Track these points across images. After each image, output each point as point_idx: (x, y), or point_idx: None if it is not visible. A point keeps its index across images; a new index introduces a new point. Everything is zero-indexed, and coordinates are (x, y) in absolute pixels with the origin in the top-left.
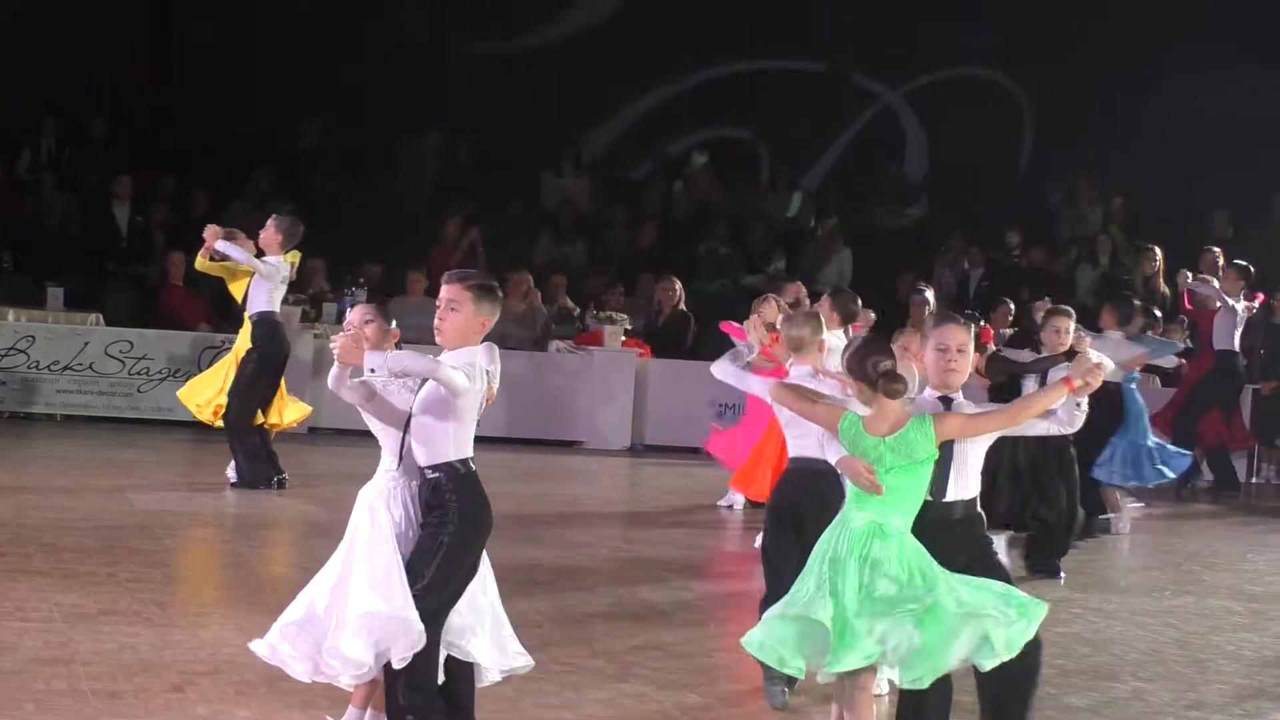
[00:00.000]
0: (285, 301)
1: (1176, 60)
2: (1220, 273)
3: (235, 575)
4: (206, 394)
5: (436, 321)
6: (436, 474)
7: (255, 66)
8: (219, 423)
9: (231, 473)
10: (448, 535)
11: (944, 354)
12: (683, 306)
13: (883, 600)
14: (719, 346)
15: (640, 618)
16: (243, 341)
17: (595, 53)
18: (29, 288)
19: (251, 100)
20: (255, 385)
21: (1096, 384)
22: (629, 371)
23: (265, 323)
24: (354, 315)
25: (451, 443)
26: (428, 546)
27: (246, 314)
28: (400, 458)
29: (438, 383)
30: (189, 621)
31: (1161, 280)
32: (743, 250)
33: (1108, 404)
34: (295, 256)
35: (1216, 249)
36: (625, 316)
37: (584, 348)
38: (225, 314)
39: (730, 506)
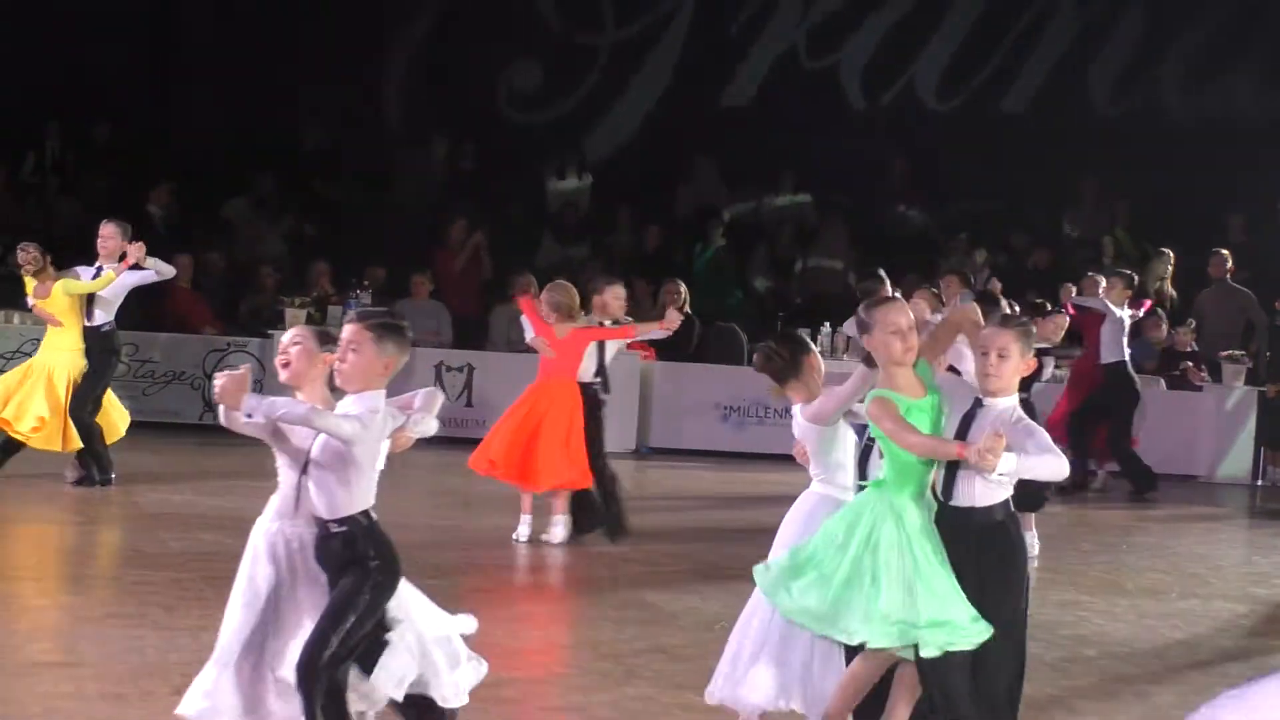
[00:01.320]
0: (290, 304)
1: (1181, 59)
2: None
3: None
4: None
5: (337, 364)
6: (343, 528)
7: (258, 70)
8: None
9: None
10: (370, 588)
11: (985, 357)
12: (687, 309)
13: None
14: (723, 348)
15: (646, 620)
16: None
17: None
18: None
19: (254, 104)
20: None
21: (987, 468)
22: (633, 374)
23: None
24: (285, 337)
25: (354, 494)
26: (349, 598)
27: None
28: (297, 501)
29: (322, 432)
30: (194, 624)
31: (1169, 284)
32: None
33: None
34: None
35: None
36: (630, 319)
37: None
38: (231, 317)
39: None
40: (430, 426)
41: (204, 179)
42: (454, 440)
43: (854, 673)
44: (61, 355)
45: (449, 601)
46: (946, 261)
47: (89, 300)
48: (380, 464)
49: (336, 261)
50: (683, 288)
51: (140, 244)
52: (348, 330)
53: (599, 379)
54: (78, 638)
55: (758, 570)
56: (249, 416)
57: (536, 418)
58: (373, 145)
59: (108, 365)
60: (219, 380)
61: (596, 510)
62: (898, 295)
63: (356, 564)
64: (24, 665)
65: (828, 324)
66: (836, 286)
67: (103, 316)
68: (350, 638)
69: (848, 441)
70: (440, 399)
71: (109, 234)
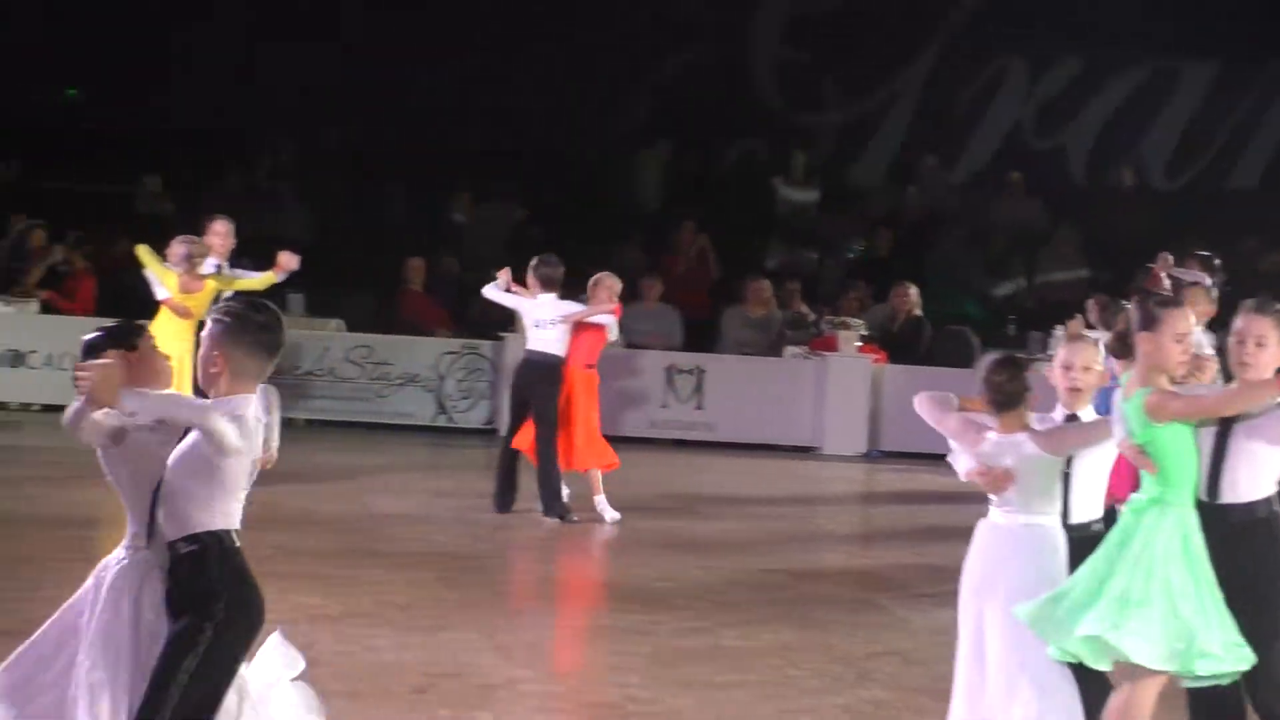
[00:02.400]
0: None
1: None
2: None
3: (476, 579)
4: None
5: (201, 364)
6: (192, 546)
7: (486, 74)
8: None
9: None
10: (213, 627)
11: (1241, 345)
12: (918, 312)
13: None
14: (954, 352)
15: (879, 624)
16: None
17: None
18: (271, 295)
19: (482, 109)
20: None
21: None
22: (864, 377)
23: None
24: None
25: (215, 513)
26: (182, 645)
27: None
28: (150, 530)
29: (204, 435)
30: (430, 624)
31: None
32: (980, 256)
33: None
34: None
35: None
36: (860, 322)
37: (819, 353)
38: (464, 319)
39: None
40: (276, 436)
41: (434, 183)
42: (684, 443)
43: (1134, 702)
44: (188, 345)
45: (688, 604)
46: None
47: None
48: (247, 484)
49: (567, 263)
50: (913, 290)
51: (293, 254)
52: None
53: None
54: (316, 637)
55: (1035, 617)
56: (131, 414)
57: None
58: (600, 148)
59: None
60: (86, 372)
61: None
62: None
63: (201, 598)
64: None
65: (1059, 327)
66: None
67: None
68: (190, 696)
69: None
70: (276, 397)
71: (224, 231)
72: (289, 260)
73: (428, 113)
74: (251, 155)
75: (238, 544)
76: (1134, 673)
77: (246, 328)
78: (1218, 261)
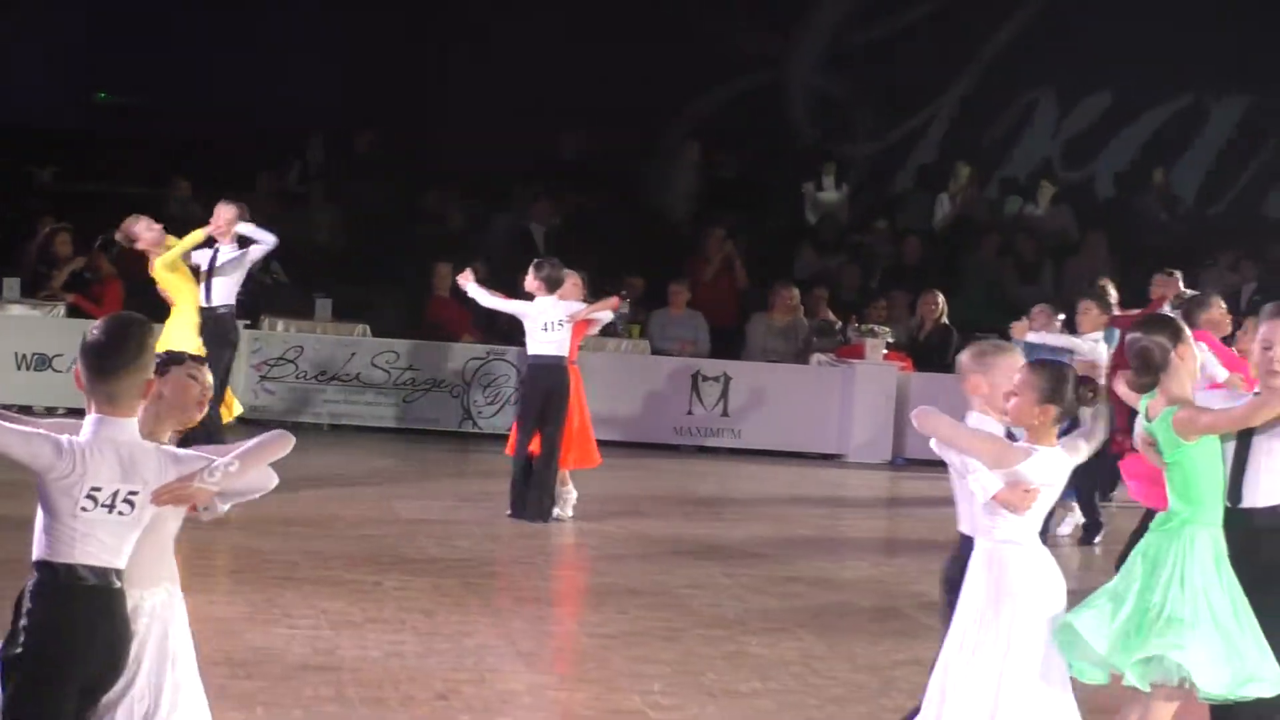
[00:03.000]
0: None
1: None
2: None
3: (500, 584)
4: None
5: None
6: (31, 577)
7: (519, 81)
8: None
9: None
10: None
11: (1268, 351)
12: (945, 320)
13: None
14: None
15: (903, 632)
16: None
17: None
18: (298, 298)
19: (515, 114)
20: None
21: None
22: (890, 385)
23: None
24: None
25: (52, 542)
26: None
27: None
28: None
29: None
30: (453, 630)
31: None
32: (1012, 262)
33: None
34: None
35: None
36: (887, 329)
37: (845, 360)
38: (492, 327)
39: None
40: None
41: (464, 188)
42: (709, 449)
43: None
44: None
45: (712, 611)
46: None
47: (206, 280)
48: (130, 528)
49: (594, 271)
50: (940, 298)
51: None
52: None
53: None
54: (339, 642)
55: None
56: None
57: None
58: (630, 154)
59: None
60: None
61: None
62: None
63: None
64: (287, 668)
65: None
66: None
67: (219, 299)
68: None
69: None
70: (279, 448)
71: (223, 215)
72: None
73: (459, 117)
74: (282, 159)
75: (70, 581)
76: (1151, 696)
77: (82, 350)
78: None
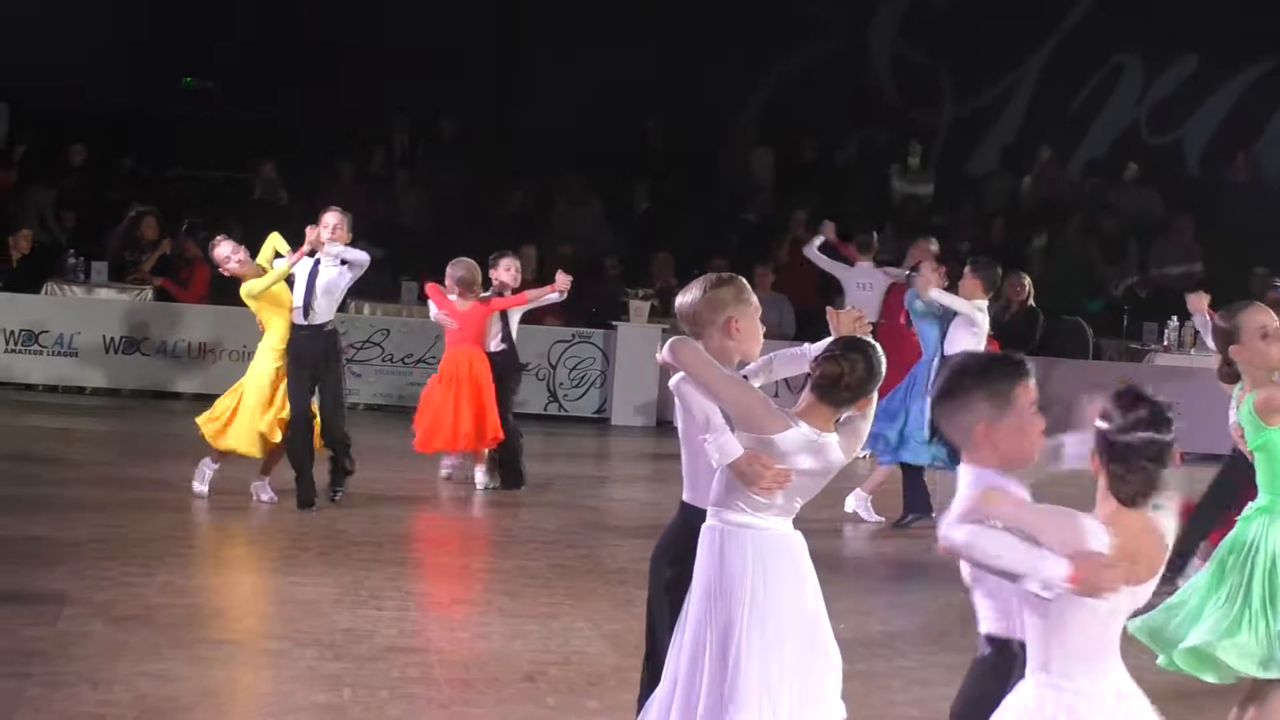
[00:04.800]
0: (634, 296)
1: None
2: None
3: (585, 566)
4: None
5: None
6: None
7: (598, 67)
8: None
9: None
10: None
11: None
12: (1031, 302)
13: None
14: (1068, 343)
15: (970, 620)
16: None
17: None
18: (384, 282)
19: (598, 99)
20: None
21: None
22: None
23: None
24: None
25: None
26: None
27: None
28: None
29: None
30: (540, 612)
31: None
32: (1097, 244)
33: None
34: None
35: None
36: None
37: None
38: (575, 309)
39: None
40: None
41: (549, 171)
42: None
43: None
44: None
45: None
46: None
47: (307, 297)
48: None
49: (679, 252)
50: (1026, 281)
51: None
52: None
53: (505, 345)
54: (426, 624)
55: (1148, 629)
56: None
57: (454, 386)
58: (711, 137)
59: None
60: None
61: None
62: None
63: None
64: (375, 650)
65: (1174, 318)
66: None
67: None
68: None
69: None
70: None
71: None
72: (563, 280)
73: (542, 99)
74: (366, 143)
75: None
76: (1264, 689)
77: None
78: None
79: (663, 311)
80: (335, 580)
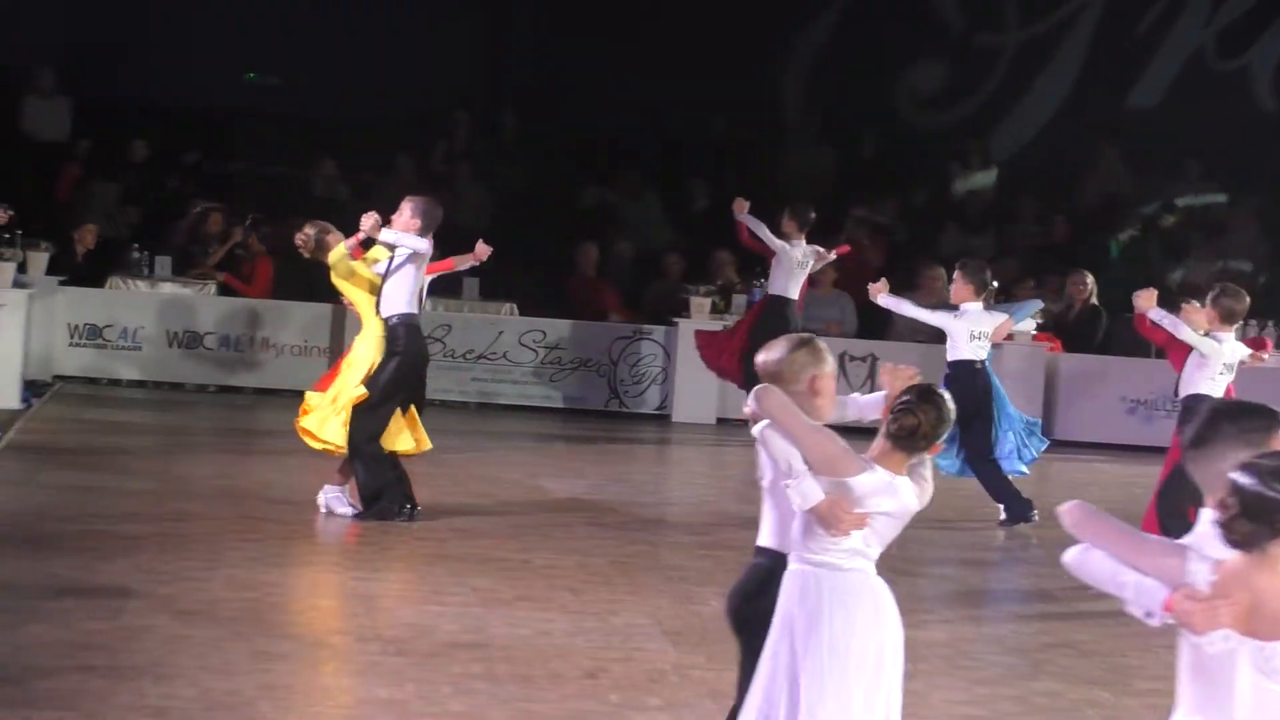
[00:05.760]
0: (695, 292)
1: None
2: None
3: (647, 564)
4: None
5: None
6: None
7: (660, 63)
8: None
9: (331, 498)
10: None
11: None
12: (1094, 300)
13: None
14: (1131, 341)
15: (1052, 614)
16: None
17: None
18: (445, 278)
19: (661, 93)
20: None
21: None
22: (1039, 366)
23: (406, 325)
24: None
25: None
26: None
27: (379, 315)
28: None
29: None
30: (601, 609)
31: None
32: (1158, 241)
33: (970, 385)
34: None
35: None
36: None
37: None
38: (637, 304)
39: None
40: None
41: (607, 167)
42: (857, 430)
43: None
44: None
45: None
46: None
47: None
48: None
49: (740, 249)
50: (1089, 279)
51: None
52: None
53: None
54: (488, 620)
55: None
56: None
57: None
58: (771, 135)
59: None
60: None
61: None
62: None
63: None
64: (437, 646)
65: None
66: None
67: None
68: None
69: None
70: None
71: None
72: (482, 250)
73: (601, 96)
74: (426, 139)
75: None
76: None
77: None
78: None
79: (723, 308)
80: (398, 576)
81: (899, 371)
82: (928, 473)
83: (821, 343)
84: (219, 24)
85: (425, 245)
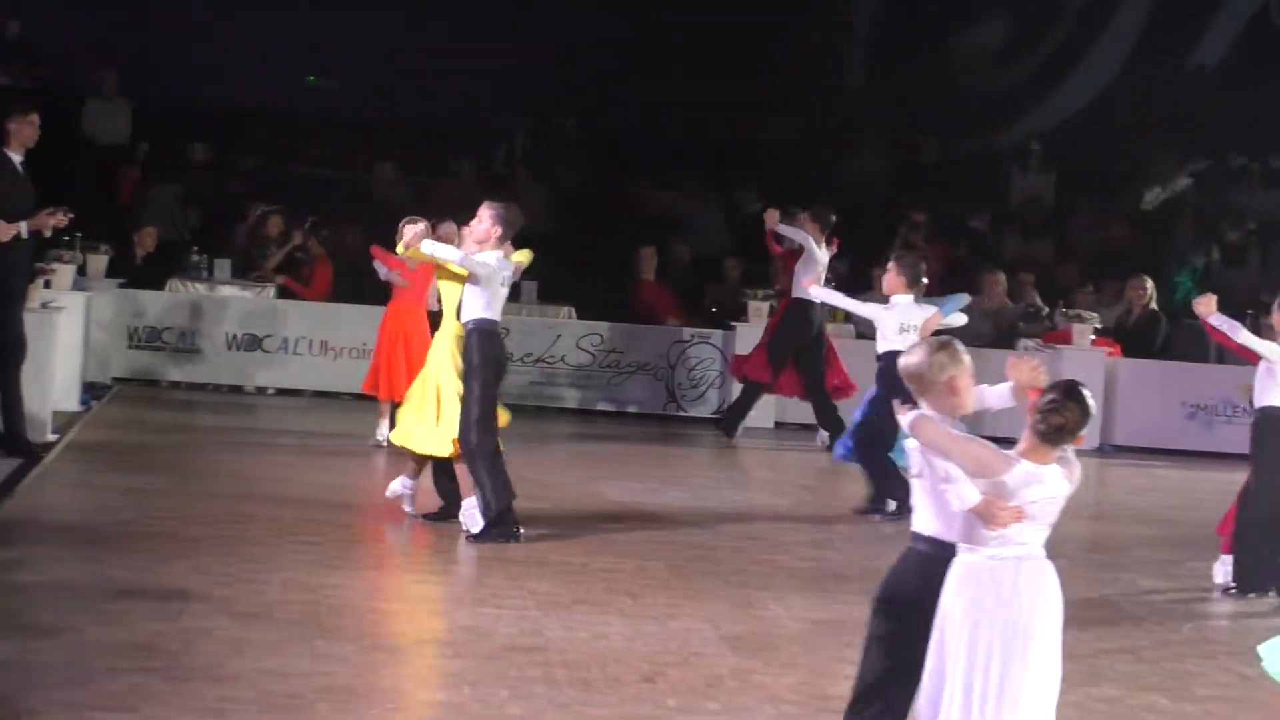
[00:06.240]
0: (753, 296)
1: None
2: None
3: (705, 568)
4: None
5: None
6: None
7: (722, 64)
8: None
9: (468, 516)
10: None
11: None
12: (1153, 305)
13: None
14: (1191, 346)
15: (1109, 620)
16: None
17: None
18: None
19: (718, 98)
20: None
21: None
22: (1098, 371)
23: (480, 332)
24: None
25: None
26: None
27: (459, 320)
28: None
29: None
30: (659, 613)
31: None
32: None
33: (897, 377)
34: (525, 256)
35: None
36: (1095, 314)
37: (1052, 346)
38: (696, 309)
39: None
40: None
41: (666, 171)
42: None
43: None
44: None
45: None
46: None
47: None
48: None
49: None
50: (1148, 284)
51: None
52: None
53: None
54: (546, 623)
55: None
56: None
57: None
58: (831, 136)
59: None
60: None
61: None
62: None
63: None
64: (495, 649)
65: None
66: None
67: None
68: None
69: None
70: None
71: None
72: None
73: (660, 100)
74: (487, 142)
75: None
76: None
77: None
78: None
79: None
80: (456, 579)
81: (1023, 363)
82: (1072, 454)
83: (959, 344)
84: (280, 28)
85: (459, 258)
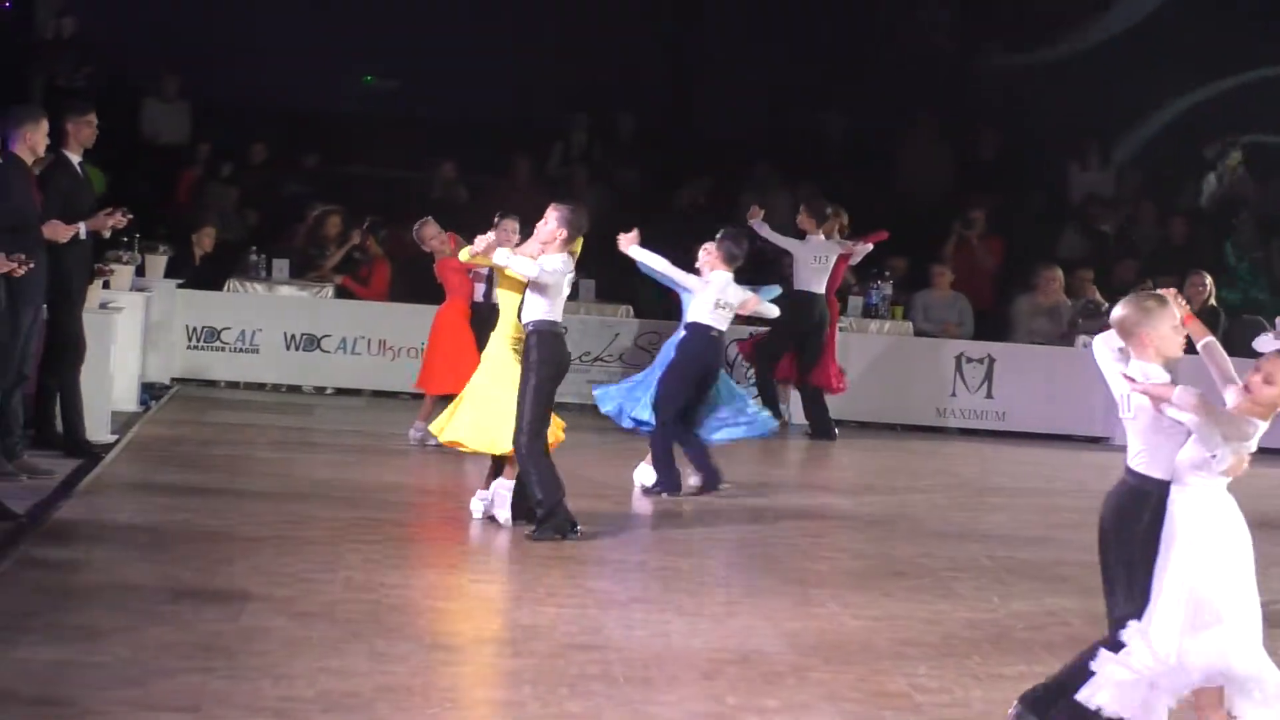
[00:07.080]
0: None
1: None
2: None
3: (764, 565)
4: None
5: None
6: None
7: (771, 63)
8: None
9: (499, 498)
10: None
11: None
12: (1212, 302)
13: None
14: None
15: None
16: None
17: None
18: None
19: (775, 96)
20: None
21: None
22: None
23: (540, 333)
24: None
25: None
26: None
27: (520, 320)
28: None
29: None
30: (718, 610)
31: None
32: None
33: (702, 350)
34: (576, 245)
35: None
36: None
37: None
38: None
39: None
40: None
41: (724, 168)
42: (971, 431)
43: None
44: None
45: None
46: None
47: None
48: None
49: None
50: (1208, 280)
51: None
52: None
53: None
54: (605, 621)
55: None
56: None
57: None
58: (884, 133)
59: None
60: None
61: None
62: None
63: None
64: (555, 647)
65: None
66: None
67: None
68: None
69: None
70: None
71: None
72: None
73: (720, 95)
74: (544, 142)
75: None
76: None
77: None
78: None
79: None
80: (514, 577)
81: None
82: None
83: (1162, 296)
84: (338, 27)
85: (535, 271)
